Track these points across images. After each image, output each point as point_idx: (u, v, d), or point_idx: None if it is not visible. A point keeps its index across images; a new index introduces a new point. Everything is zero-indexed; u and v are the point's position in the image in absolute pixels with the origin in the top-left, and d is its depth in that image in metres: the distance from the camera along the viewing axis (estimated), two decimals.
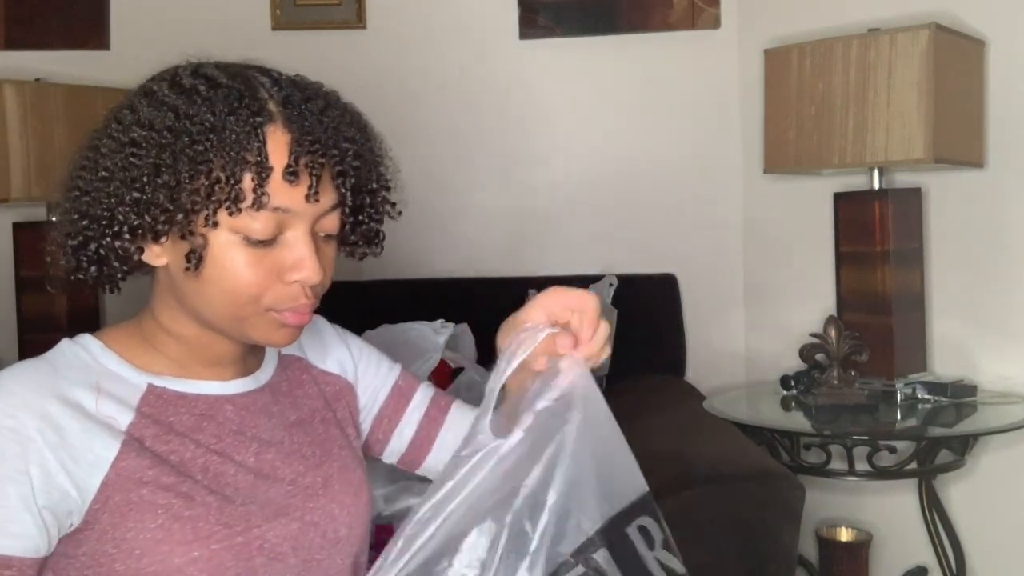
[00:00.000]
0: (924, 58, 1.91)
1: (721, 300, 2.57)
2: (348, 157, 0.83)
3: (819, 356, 2.04)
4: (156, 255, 0.84)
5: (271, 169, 0.79)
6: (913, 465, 1.90)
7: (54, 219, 0.88)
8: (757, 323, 2.54)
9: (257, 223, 0.80)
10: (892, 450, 1.86)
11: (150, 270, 0.87)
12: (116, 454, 0.80)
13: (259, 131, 0.78)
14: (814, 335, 2.02)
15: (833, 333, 1.99)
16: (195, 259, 0.80)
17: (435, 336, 2.12)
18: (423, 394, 1.09)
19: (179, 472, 0.82)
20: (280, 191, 0.79)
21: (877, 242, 2.06)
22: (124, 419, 0.82)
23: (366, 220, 0.89)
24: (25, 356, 2.30)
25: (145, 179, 0.79)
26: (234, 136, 0.78)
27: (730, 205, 2.56)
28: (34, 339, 2.29)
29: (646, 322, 2.43)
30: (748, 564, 1.46)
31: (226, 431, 0.88)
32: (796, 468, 1.88)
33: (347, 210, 0.85)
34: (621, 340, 2.32)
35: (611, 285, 2.38)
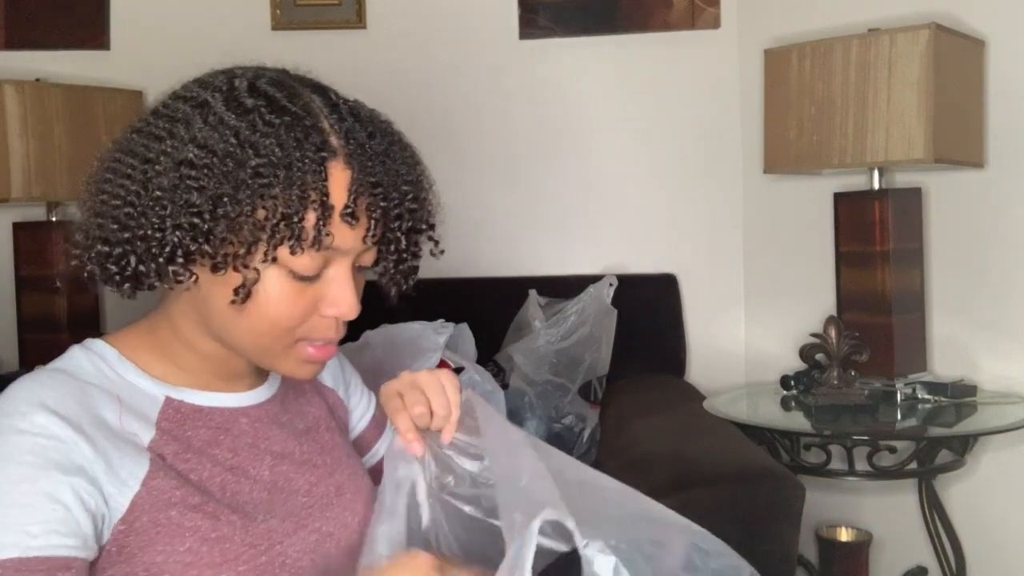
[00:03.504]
0: (924, 58, 1.91)
1: (721, 300, 2.57)
2: (407, 201, 0.81)
3: (819, 356, 2.04)
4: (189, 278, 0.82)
5: (332, 208, 0.77)
6: (913, 465, 1.90)
7: (77, 216, 0.85)
8: (757, 323, 2.54)
9: (308, 259, 0.78)
10: (892, 450, 1.86)
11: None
12: (147, 471, 0.78)
13: (323, 167, 0.76)
14: (814, 335, 2.02)
15: (833, 333, 1.99)
16: (243, 293, 0.78)
17: (435, 336, 2.12)
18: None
19: (202, 491, 0.80)
20: (338, 232, 0.78)
21: (877, 242, 2.06)
22: (146, 435, 0.80)
23: (409, 258, 0.86)
24: (25, 356, 2.30)
25: (205, 205, 0.75)
26: (300, 173, 0.75)
27: (730, 205, 2.56)
28: (34, 339, 2.29)
29: (646, 322, 2.43)
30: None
31: (242, 444, 0.86)
32: (796, 468, 1.88)
33: (393, 248, 0.83)
34: (621, 340, 2.33)
35: (611, 285, 2.38)
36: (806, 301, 2.37)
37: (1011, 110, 2.09)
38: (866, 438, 1.88)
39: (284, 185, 0.75)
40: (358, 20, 2.59)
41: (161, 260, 0.77)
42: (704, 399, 2.14)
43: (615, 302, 2.36)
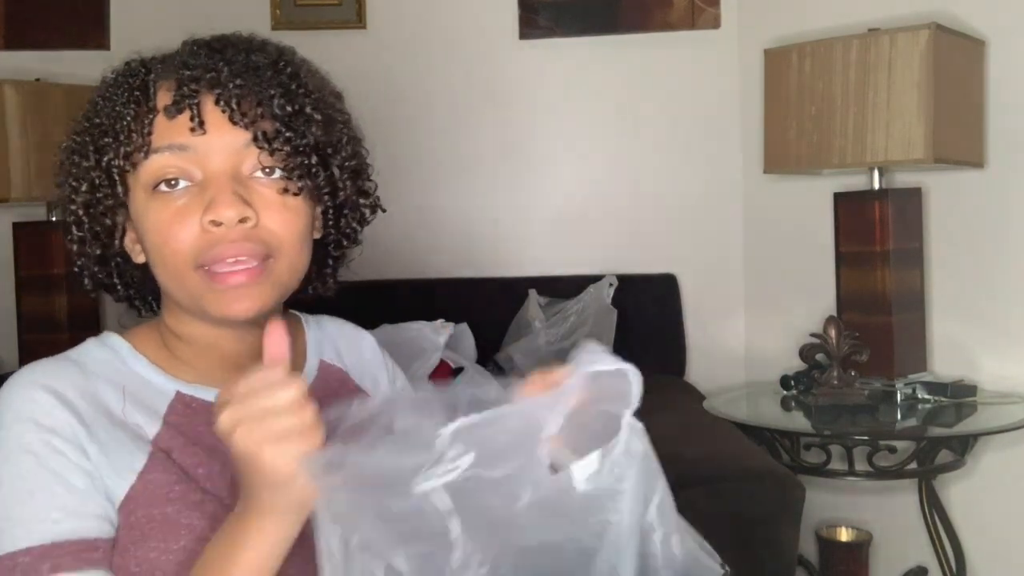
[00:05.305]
0: (924, 58, 1.91)
1: (721, 300, 2.57)
2: (224, 75, 0.80)
3: (819, 356, 2.04)
4: (137, 253, 0.84)
5: (155, 112, 0.80)
6: (913, 465, 1.90)
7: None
8: (757, 323, 2.54)
9: (157, 165, 0.79)
10: (892, 450, 1.86)
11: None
12: (144, 464, 0.77)
13: (146, 83, 0.81)
14: (814, 335, 2.02)
15: (833, 333, 1.99)
16: (119, 232, 0.84)
17: (435, 336, 2.12)
18: None
19: (204, 490, 0.78)
20: (166, 129, 0.79)
21: (877, 242, 2.06)
22: (151, 429, 0.79)
23: (302, 148, 0.81)
24: (25, 356, 2.30)
25: (71, 169, 0.83)
26: (119, 91, 0.81)
27: (730, 205, 2.56)
28: (34, 339, 2.29)
29: (646, 322, 2.43)
30: (748, 564, 1.46)
31: None
32: (796, 468, 1.88)
33: (264, 138, 0.79)
34: (621, 340, 2.33)
35: (611, 285, 2.38)
36: (806, 301, 2.37)
37: (1011, 110, 2.09)
38: (866, 438, 1.88)
39: (103, 109, 0.82)
40: (358, 20, 2.59)
41: (74, 245, 0.84)
42: (704, 399, 2.14)
43: (615, 302, 2.36)
